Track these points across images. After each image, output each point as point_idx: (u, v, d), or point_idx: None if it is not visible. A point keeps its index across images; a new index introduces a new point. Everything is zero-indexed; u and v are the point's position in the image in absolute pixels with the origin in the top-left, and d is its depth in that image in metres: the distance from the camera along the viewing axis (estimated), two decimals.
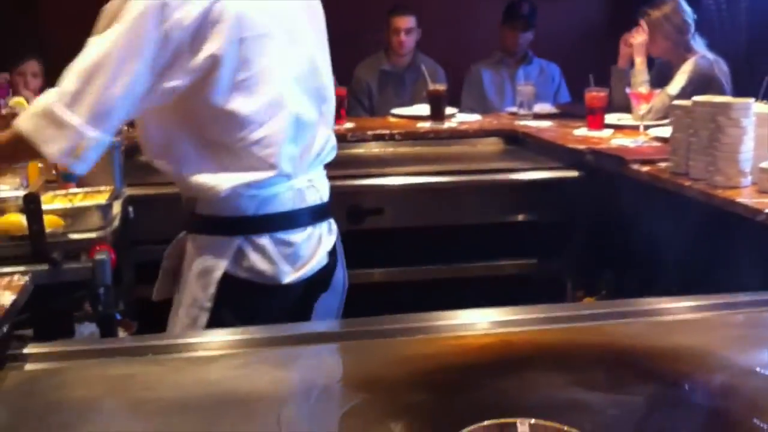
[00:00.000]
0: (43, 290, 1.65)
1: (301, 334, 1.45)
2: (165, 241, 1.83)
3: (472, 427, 0.69)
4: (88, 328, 1.89)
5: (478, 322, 1.45)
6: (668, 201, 2.52)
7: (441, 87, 3.70)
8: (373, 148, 3.52)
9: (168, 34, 1.52)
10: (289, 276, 1.72)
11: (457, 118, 3.79)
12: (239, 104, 1.61)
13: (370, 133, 3.55)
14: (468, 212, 3.07)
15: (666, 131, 3.00)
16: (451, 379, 1.26)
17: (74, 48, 1.57)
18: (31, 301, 1.52)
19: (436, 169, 3.07)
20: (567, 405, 1.13)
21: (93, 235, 1.83)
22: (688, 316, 1.51)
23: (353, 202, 2.90)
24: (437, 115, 3.64)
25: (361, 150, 3.48)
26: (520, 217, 3.07)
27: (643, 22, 3.53)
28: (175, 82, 1.56)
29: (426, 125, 3.63)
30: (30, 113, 1.57)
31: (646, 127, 3.20)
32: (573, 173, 3.03)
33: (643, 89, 3.31)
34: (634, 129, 3.29)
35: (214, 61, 1.56)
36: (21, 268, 1.65)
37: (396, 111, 3.91)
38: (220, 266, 1.69)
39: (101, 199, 1.96)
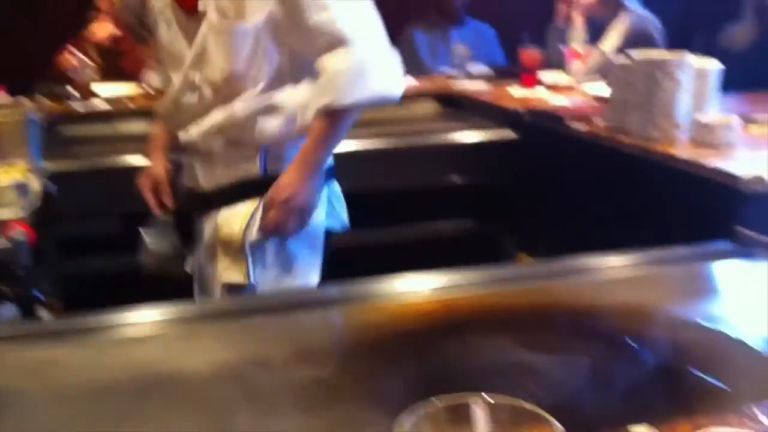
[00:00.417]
0: None
1: (236, 308, 1.39)
2: (92, 217, 1.75)
3: (420, 406, 0.64)
4: (10, 311, 1.79)
5: (419, 288, 1.41)
6: (605, 158, 2.52)
7: None
8: None
9: None
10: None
11: None
12: None
13: None
14: (405, 176, 3.02)
15: (601, 88, 3.00)
16: (395, 347, 1.22)
17: None
18: None
19: (371, 133, 3.01)
20: (513, 369, 1.10)
21: (8, 213, 1.73)
22: (628, 273, 1.49)
23: None
24: None
25: None
26: (458, 180, 3.03)
27: None
28: None
29: None
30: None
31: (582, 85, 3.19)
32: (510, 134, 3.01)
33: (579, 47, 3.30)
34: (569, 87, 3.28)
35: None
36: None
37: None
38: (321, 217, 1.73)
39: (17, 176, 1.86)
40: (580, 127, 2.67)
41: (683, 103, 2.35)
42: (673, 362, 1.11)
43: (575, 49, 3.27)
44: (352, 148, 2.92)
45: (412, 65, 4.24)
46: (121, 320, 1.30)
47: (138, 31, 1.79)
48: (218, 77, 1.63)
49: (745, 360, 1.10)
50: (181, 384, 1.12)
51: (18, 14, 4.39)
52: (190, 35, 1.64)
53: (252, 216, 1.67)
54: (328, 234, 1.79)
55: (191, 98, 1.68)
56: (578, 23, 3.52)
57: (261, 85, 1.64)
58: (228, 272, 1.66)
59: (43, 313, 1.80)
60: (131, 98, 3.43)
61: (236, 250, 1.67)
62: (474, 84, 3.63)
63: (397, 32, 4.37)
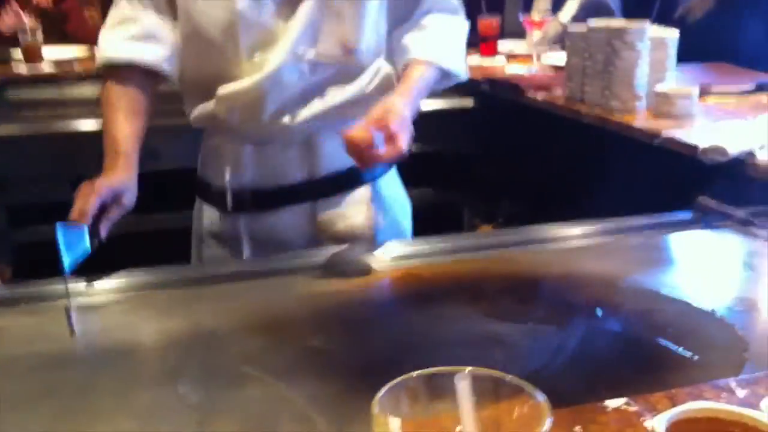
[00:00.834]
0: None
1: (192, 277, 1.35)
2: (40, 183, 1.68)
3: (398, 380, 0.61)
4: None
5: (383, 256, 1.38)
6: (564, 128, 2.51)
7: None
8: None
9: None
10: None
11: None
12: None
13: None
14: None
15: (559, 59, 2.98)
16: (361, 317, 1.19)
17: None
18: None
19: None
20: (481, 339, 1.08)
21: None
22: (591, 241, 1.49)
23: None
24: None
25: None
26: (415, 148, 2.99)
27: None
28: None
29: None
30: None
31: (539, 55, 3.18)
32: (468, 102, 2.99)
33: (538, 16, 3.28)
34: (528, 57, 3.27)
35: None
36: None
37: None
38: None
39: None
40: (538, 96, 2.65)
41: (642, 72, 2.34)
42: (642, 333, 1.10)
43: (533, 19, 3.24)
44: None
45: None
46: (72, 288, 1.25)
47: None
48: (340, 51, 1.45)
49: (712, 330, 1.09)
50: (137, 354, 1.08)
51: None
52: (286, 6, 1.42)
53: (370, 204, 1.54)
54: None
55: (296, 79, 1.45)
56: None
57: (382, 56, 1.52)
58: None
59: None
60: (80, 61, 3.33)
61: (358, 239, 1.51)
62: None
63: None
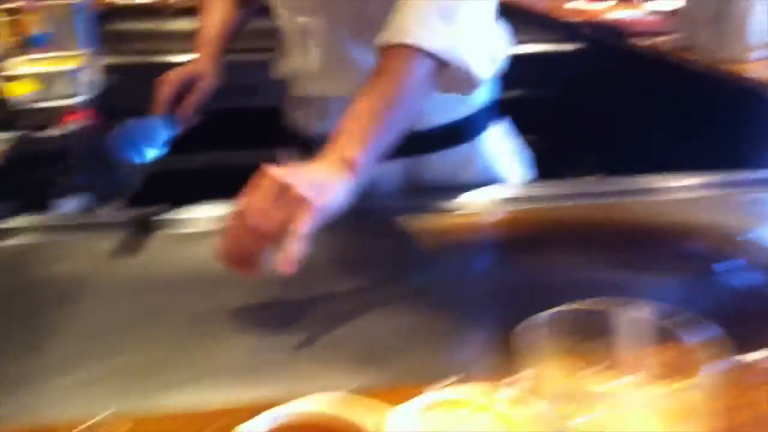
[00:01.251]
0: (15, 161, 1.53)
1: None
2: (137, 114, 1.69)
3: (559, 308, 0.60)
4: (69, 203, 1.76)
5: (487, 199, 1.37)
6: (671, 76, 2.43)
7: None
8: None
9: None
10: None
11: None
12: None
13: None
14: None
15: (663, 3, 2.88)
16: (468, 260, 1.18)
17: None
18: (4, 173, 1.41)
19: None
20: (597, 286, 1.06)
21: (64, 102, 1.69)
22: (703, 193, 1.44)
23: None
24: None
25: None
26: (512, 93, 2.94)
27: None
28: None
29: None
30: None
31: None
32: (568, 47, 2.90)
33: None
34: (630, 1, 3.17)
35: None
36: None
37: None
38: None
39: (72, 65, 1.81)
40: (643, 43, 2.57)
41: (757, 20, 2.25)
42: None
43: None
44: None
45: None
46: (186, 215, 1.28)
47: None
48: None
49: None
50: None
51: None
52: None
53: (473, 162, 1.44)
54: None
55: None
56: None
57: None
58: None
59: (110, 205, 1.77)
60: None
61: None
62: None
63: None
